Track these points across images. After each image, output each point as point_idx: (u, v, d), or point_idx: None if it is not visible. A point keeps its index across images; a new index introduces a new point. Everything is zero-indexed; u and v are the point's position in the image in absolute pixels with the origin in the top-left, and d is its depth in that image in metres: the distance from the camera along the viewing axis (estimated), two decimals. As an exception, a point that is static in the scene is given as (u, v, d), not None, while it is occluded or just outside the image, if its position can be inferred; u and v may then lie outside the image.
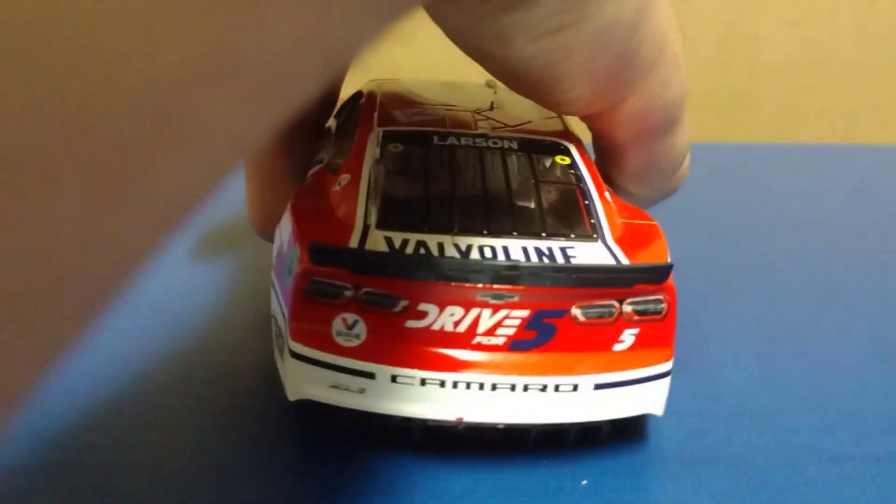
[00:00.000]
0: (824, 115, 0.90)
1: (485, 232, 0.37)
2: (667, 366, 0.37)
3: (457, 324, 0.35)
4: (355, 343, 0.35)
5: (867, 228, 0.64)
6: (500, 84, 0.54)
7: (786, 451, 0.39)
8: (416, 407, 0.35)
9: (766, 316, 0.51)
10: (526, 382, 0.35)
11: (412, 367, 0.35)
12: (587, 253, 0.36)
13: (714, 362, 0.46)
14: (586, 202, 0.39)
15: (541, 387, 0.35)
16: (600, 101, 0.36)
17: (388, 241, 0.36)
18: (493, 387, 0.35)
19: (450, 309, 0.34)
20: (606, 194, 0.41)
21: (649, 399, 0.37)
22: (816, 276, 0.56)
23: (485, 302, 0.34)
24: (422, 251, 0.35)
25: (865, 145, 0.83)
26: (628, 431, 0.39)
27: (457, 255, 0.35)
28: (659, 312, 0.36)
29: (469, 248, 0.35)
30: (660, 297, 0.36)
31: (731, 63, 0.87)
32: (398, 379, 0.35)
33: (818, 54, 0.88)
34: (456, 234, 0.36)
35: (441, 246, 0.35)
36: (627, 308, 0.35)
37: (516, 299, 0.34)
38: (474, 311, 0.34)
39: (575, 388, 0.35)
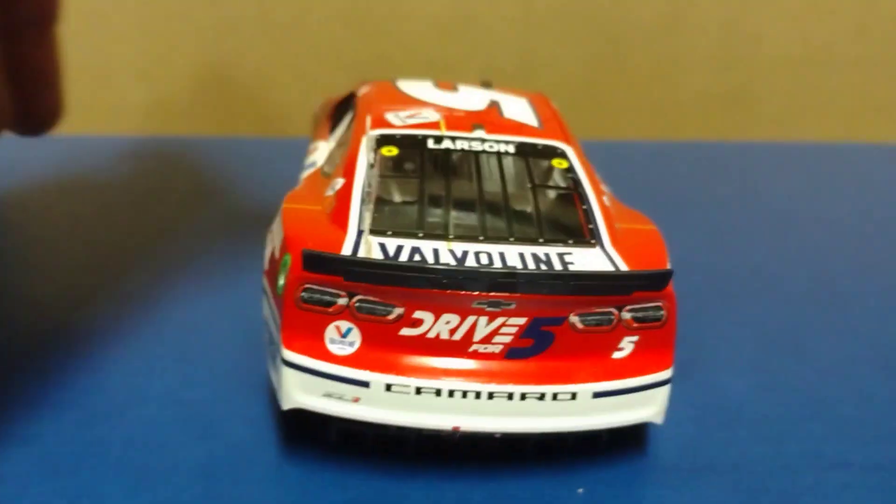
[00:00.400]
0: (825, 113, 0.89)
1: (481, 238, 0.36)
2: (667, 373, 0.36)
3: (453, 332, 0.34)
4: (349, 351, 0.34)
5: (869, 229, 0.63)
6: (495, 83, 0.53)
7: (785, 458, 0.39)
8: (412, 416, 0.34)
9: (766, 321, 0.50)
10: (523, 391, 0.34)
11: (407, 375, 0.34)
12: (585, 259, 0.36)
13: (712, 369, 0.45)
14: (584, 207, 0.38)
15: (538, 395, 0.34)
16: None
17: (383, 247, 0.35)
18: (490, 395, 0.34)
19: (445, 317, 0.34)
20: (605, 199, 0.40)
21: (649, 407, 0.36)
22: (817, 279, 0.55)
23: (481, 310, 0.34)
24: (417, 258, 0.34)
25: (867, 144, 0.83)
26: (625, 439, 0.39)
27: (452, 262, 0.34)
28: (658, 319, 0.35)
29: (465, 254, 0.35)
30: (659, 303, 0.35)
31: (732, 60, 0.86)
32: (393, 388, 0.34)
33: (819, 51, 0.87)
34: (452, 240, 0.36)
35: (436, 252, 0.35)
36: (626, 315, 0.35)
37: (513, 307, 0.34)
38: (470, 319, 0.34)
39: (573, 396, 0.35)
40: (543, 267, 0.34)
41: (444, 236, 0.36)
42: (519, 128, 0.43)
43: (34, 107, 0.47)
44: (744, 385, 0.44)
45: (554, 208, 0.39)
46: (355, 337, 0.34)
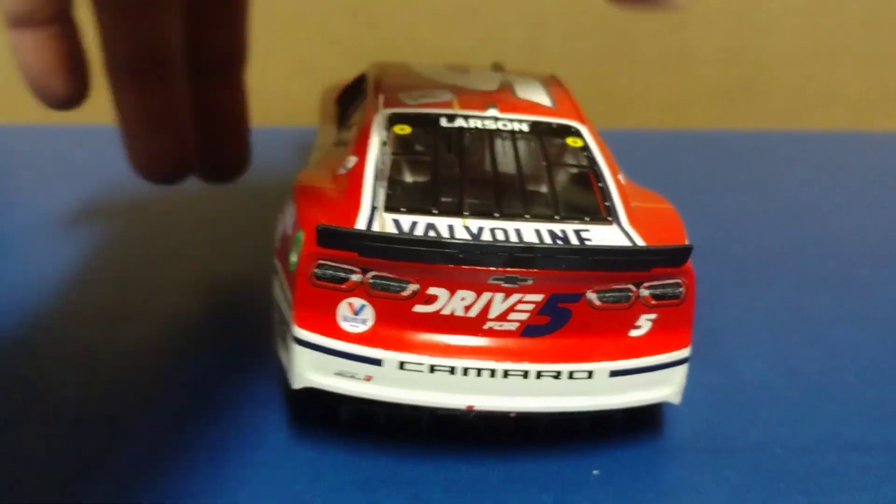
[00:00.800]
0: (834, 103, 0.89)
1: (496, 215, 0.36)
2: (685, 352, 0.35)
3: (468, 308, 0.33)
4: (362, 329, 0.34)
5: (880, 216, 0.63)
6: (507, 66, 0.53)
7: (804, 440, 0.38)
8: (425, 394, 0.34)
9: (781, 304, 0.50)
10: (539, 369, 0.34)
11: (421, 353, 0.34)
12: (603, 236, 0.35)
13: (729, 352, 0.44)
14: (600, 185, 0.38)
15: (554, 374, 0.34)
16: None
17: (397, 223, 0.34)
18: (505, 374, 0.34)
19: (461, 293, 0.33)
20: (620, 177, 0.39)
21: (667, 386, 0.36)
22: (830, 264, 0.55)
23: (497, 286, 0.33)
24: (432, 234, 0.34)
25: (876, 133, 0.82)
26: (641, 421, 0.38)
27: (468, 238, 0.34)
28: (677, 297, 0.35)
29: (480, 230, 0.34)
30: (678, 280, 0.34)
31: (740, 51, 0.86)
32: (406, 366, 0.33)
33: (827, 42, 0.87)
34: (466, 217, 0.35)
35: (451, 228, 0.34)
36: (645, 292, 0.34)
37: (530, 283, 0.33)
38: (486, 296, 0.33)
39: (590, 374, 0.34)
40: (560, 242, 0.34)
41: (458, 213, 0.35)
42: (532, 107, 0.42)
43: (220, 153, 0.46)
44: (760, 368, 0.43)
45: (569, 186, 0.39)
46: (368, 314, 0.34)
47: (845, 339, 0.46)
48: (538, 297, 0.33)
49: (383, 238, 0.33)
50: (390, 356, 0.33)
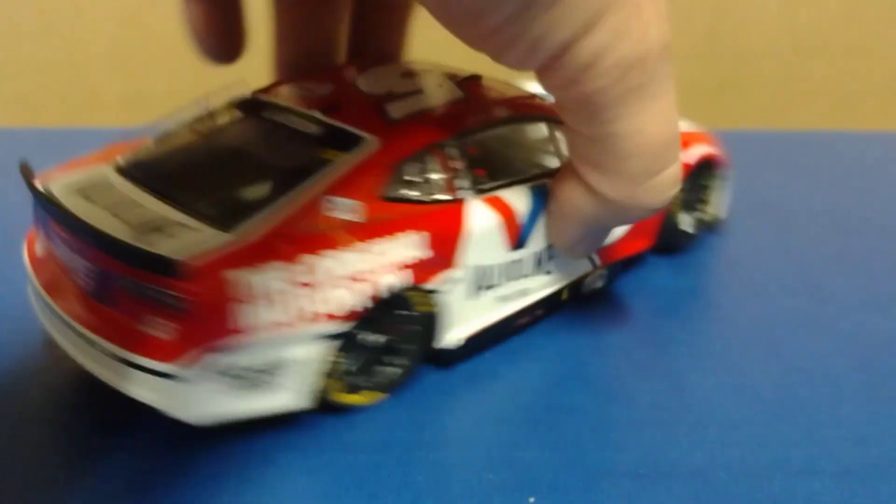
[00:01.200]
0: (814, 101, 0.87)
1: (153, 190, 0.38)
2: (172, 367, 0.34)
3: (62, 259, 0.38)
4: (39, 254, 0.40)
5: (854, 220, 0.61)
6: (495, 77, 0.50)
7: (751, 464, 0.37)
8: (48, 327, 0.39)
9: (738, 316, 0.47)
10: (82, 331, 0.36)
11: (40, 287, 0.39)
12: (192, 239, 0.35)
13: (681, 365, 0.43)
14: (275, 196, 0.37)
15: (90, 341, 0.36)
16: (533, 44, 0.33)
17: (105, 178, 0.40)
18: (68, 324, 0.37)
19: (60, 242, 0.37)
20: (337, 199, 0.37)
21: (161, 394, 0.34)
22: (796, 272, 0.53)
23: (73, 245, 0.36)
24: (98, 193, 0.38)
25: (855, 132, 0.80)
26: (585, 441, 0.37)
27: (54, 199, 0.37)
28: (174, 307, 0.33)
29: (128, 201, 0.38)
30: (176, 293, 0.33)
31: (718, 48, 0.84)
32: (35, 294, 0.39)
33: (807, 39, 0.85)
34: (138, 185, 0.39)
35: (109, 186, 0.39)
36: (147, 293, 0.34)
37: (80, 251, 0.36)
38: (60, 246, 0.37)
39: (109, 354, 0.35)
40: (149, 230, 0.35)
41: (145, 186, 0.39)
42: (368, 117, 0.41)
43: None
44: (711, 383, 0.41)
45: (255, 192, 0.38)
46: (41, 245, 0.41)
47: (803, 352, 0.44)
48: (90, 266, 0.36)
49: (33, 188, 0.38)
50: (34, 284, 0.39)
